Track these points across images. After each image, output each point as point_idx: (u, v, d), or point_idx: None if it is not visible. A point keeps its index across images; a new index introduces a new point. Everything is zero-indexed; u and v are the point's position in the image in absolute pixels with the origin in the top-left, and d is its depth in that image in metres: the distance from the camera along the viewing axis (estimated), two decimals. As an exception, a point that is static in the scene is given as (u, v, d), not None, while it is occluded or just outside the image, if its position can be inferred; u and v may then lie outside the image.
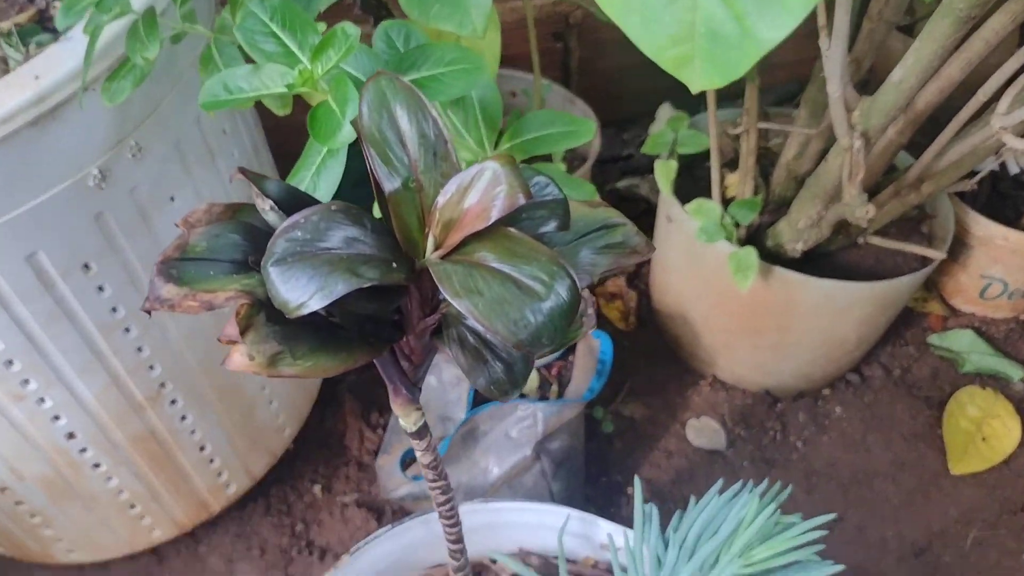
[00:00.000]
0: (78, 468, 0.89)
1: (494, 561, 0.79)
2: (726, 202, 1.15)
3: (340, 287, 0.37)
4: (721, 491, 0.67)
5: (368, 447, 1.18)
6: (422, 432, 0.52)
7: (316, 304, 0.36)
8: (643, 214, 1.51)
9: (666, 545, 0.66)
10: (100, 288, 0.77)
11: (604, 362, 1.07)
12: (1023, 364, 1.32)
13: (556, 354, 1.11)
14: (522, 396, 1.06)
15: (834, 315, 1.14)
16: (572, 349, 1.13)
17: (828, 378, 1.28)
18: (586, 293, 0.47)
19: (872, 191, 1.06)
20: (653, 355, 1.32)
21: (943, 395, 1.27)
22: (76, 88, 0.65)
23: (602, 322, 1.36)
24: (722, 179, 1.15)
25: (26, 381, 0.78)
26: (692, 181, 1.25)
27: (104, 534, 0.99)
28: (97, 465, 0.90)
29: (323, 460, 1.17)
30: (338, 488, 1.13)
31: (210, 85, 0.52)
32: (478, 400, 1.04)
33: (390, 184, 0.40)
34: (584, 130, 0.61)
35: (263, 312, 0.39)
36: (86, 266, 0.75)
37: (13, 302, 0.73)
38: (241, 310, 0.39)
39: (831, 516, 0.63)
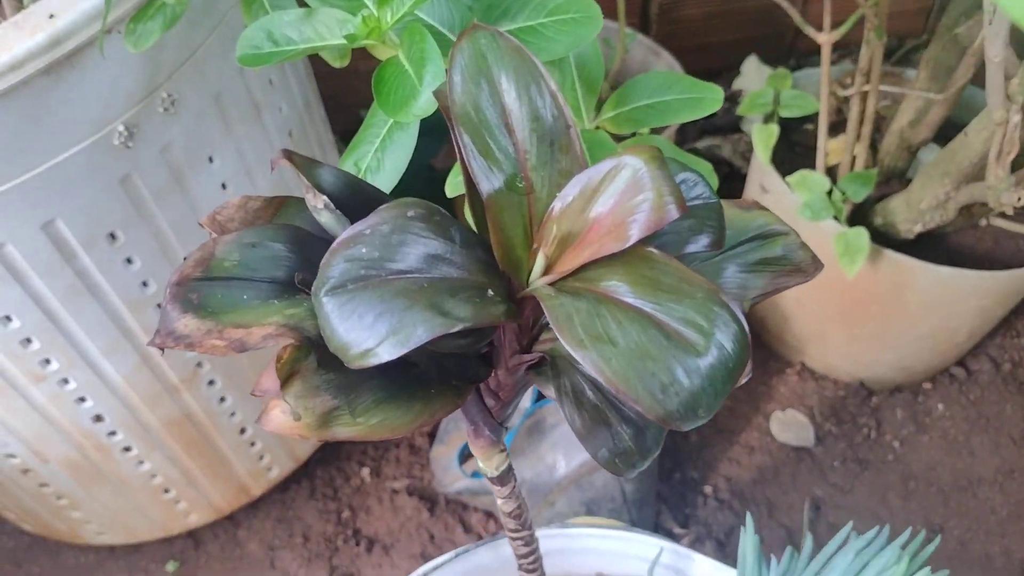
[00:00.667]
0: (107, 452, 0.81)
1: (568, 588, 0.69)
2: (829, 173, 1.02)
3: (420, 331, 0.26)
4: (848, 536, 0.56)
5: (421, 430, 1.08)
6: (505, 478, 0.42)
7: (388, 354, 0.26)
8: (725, 179, 1.38)
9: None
10: (128, 260, 0.68)
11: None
12: None
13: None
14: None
15: (948, 305, 1.01)
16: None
17: (930, 371, 1.15)
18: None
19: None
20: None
21: (1060, 395, 1.14)
22: (97, 30, 0.55)
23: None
24: (828, 159, 1.02)
25: (46, 361, 0.70)
26: (788, 147, 1.12)
27: (136, 518, 0.91)
28: (128, 449, 0.81)
29: (372, 442, 1.08)
30: (388, 472, 1.04)
31: (251, 34, 0.41)
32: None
33: (489, 183, 0.29)
34: (711, 98, 0.49)
35: (313, 355, 0.29)
36: (112, 236, 0.66)
37: (28, 275, 0.64)
38: (284, 354, 0.28)
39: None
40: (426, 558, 0.97)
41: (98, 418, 0.77)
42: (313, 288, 0.27)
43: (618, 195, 0.28)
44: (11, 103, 0.54)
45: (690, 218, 0.32)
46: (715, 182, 0.50)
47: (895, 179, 1.06)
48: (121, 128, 0.60)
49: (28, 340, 0.68)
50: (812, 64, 1.21)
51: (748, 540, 0.56)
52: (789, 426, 1.11)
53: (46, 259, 0.63)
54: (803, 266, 0.36)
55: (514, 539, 0.46)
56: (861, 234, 0.93)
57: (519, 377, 0.36)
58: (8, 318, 0.65)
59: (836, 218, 0.95)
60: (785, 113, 1.01)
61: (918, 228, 0.95)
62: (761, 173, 1.06)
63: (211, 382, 0.82)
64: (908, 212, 0.95)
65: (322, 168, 0.32)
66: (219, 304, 0.29)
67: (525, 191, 0.29)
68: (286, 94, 0.78)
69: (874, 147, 1.08)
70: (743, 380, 0.31)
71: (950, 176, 0.86)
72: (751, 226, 0.36)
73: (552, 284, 0.29)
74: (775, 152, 1.05)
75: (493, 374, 0.36)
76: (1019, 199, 0.74)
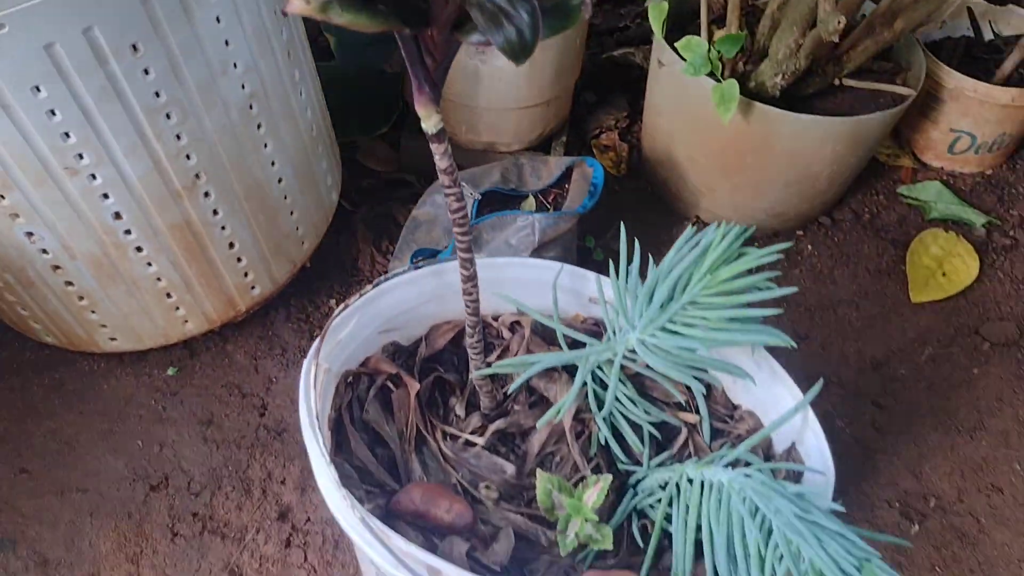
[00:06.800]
0: (123, 250, 0.99)
1: (496, 318, 0.90)
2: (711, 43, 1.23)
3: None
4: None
5: (379, 270, 1.28)
6: (441, 136, 0.62)
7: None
8: (636, 80, 1.60)
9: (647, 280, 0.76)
10: (146, 71, 0.86)
11: (596, 185, 1.17)
12: (986, 213, 1.42)
13: (553, 179, 1.21)
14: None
15: (808, 151, 1.23)
16: (568, 177, 1.22)
17: (802, 219, 1.38)
18: None
19: (846, 31, 1.15)
20: (642, 199, 1.43)
21: (908, 237, 1.38)
22: None
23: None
24: (711, 34, 1.24)
25: (80, 156, 0.88)
26: (682, 34, 1.34)
27: (143, 321, 1.09)
28: (139, 249, 1.00)
29: (338, 279, 1.27)
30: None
31: None
32: (481, 213, 1.14)
33: None
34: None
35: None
36: (134, 47, 0.84)
37: (71, 75, 0.82)
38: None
39: (788, 244, 0.74)
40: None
41: (117, 215, 0.95)
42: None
43: None
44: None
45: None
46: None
47: (767, 57, 1.28)
48: (146, -48, 0.79)
49: (67, 135, 0.86)
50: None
51: (622, 239, 0.77)
52: (686, 263, 1.33)
53: (85, 61, 0.81)
54: None
55: (448, 194, 0.66)
56: (733, 85, 1.15)
57: (447, 37, 0.56)
58: (52, 112, 0.83)
59: (714, 73, 1.17)
60: (674, -6, 1.22)
61: (780, 80, 1.17)
62: (658, 49, 1.28)
63: (206, 194, 1.00)
64: (771, 68, 1.17)
65: None
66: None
67: None
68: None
69: (753, 33, 1.30)
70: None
71: (797, 25, 1.08)
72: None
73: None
74: (674, 41, 1.27)
75: (430, 34, 0.56)
76: (839, 22, 0.96)
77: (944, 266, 1.34)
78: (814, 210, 1.37)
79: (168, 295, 1.07)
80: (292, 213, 1.14)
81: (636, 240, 0.80)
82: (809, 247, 1.37)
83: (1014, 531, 1.11)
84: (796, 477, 0.79)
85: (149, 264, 1.02)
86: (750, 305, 0.72)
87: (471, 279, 0.72)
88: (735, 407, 0.87)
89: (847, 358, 1.25)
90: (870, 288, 1.33)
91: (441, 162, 0.64)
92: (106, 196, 0.93)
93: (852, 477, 1.13)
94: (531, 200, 1.20)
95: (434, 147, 0.63)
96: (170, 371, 1.17)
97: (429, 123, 0.61)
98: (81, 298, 1.04)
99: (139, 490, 1.08)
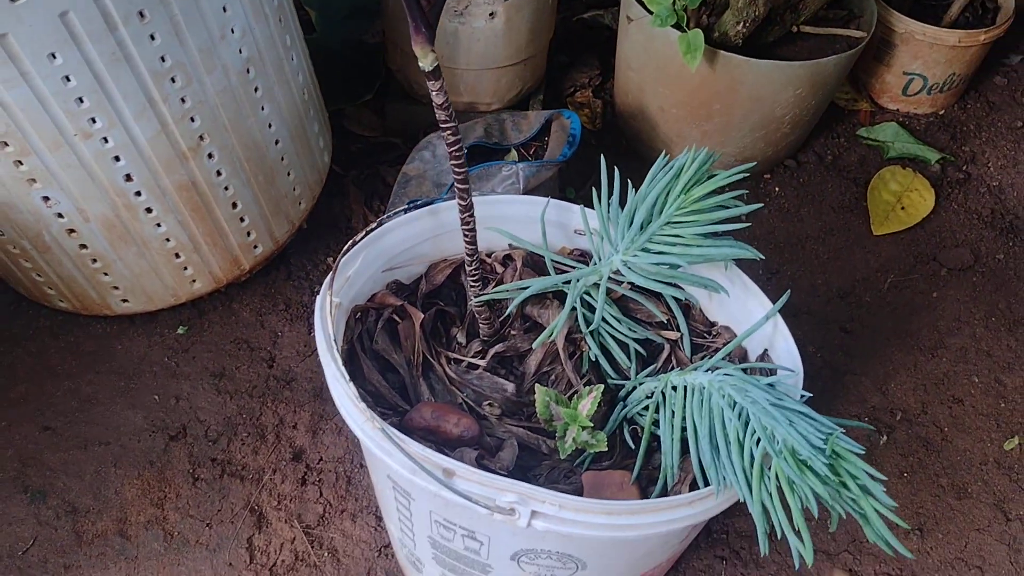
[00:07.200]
0: (134, 211, 1.05)
1: (489, 254, 0.97)
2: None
3: None
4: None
5: (371, 228, 1.35)
6: (436, 72, 0.69)
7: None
8: (606, 40, 1.67)
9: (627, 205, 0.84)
10: (152, 37, 0.92)
11: (574, 135, 1.25)
12: (940, 150, 1.51)
13: (533, 132, 1.28)
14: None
15: (771, 95, 1.31)
16: (547, 130, 1.30)
17: (769, 163, 1.46)
18: None
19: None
20: (617, 152, 1.50)
21: (868, 176, 1.47)
22: None
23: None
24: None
25: (93, 120, 0.94)
26: None
27: (153, 282, 1.16)
28: (149, 210, 1.06)
29: (333, 238, 1.34)
30: (347, 259, 1.31)
31: None
32: (468, 165, 1.21)
33: None
34: None
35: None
36: (141, 14, 0.90)
37: (84, 41, 0.88)
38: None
39: (751, 164, 0.82)
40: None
41: (128, 177, 1.01)
42: None
43: None
44: None
45: None
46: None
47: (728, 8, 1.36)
48: (150, -77, 0.85)
49: (80, 99, 0.92)
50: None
51: (602, 169, 0.84)
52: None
53: (97, 27, 0.87)
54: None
55: (445, 128, 0.73)
56: (698, 34, 1.22)
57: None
58: (67, 78, 0.89)
59: (680, 23, 1.25)
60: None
61: (741, 28, 1.24)
62: (626, 6, 1.35)
63: (210, 155, 1.07)
64: (733, 16, 1.24)
65: None
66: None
67: None
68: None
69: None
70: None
71: (754, -27, 1.16)
72: None
73: None
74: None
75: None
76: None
77: (903, 200, 1.42)
78: (779, 154, 1.45)
79: (177, 255, 1.14)
80: (289, 174, 1.20)
81: (616, 175, 0.87)
82: (777, 189, 1.45)
83: (974, 437, 1.20)
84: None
85: (159, 225, 1.08)
86: (721, 222, 0.80)
87: (468, 209, 0.79)
88: (712, 324, 0.95)
89: (816, 289, 1.34)
90: (835, 224, 1.41)
91: (438, 98, 0.71)
92: (117, 159, 0.99)
93: (824, 397, 1.22)
94: (513, 153, 1.27)
95: (430, 84, 0.70)
96: (180, 330, 1.23)
97: (426, 61, 0.68)
98: (95, 260, 1.10)
99: (159, 440, 1.15)
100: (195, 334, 1.24)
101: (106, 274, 1.13)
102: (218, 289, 1.22)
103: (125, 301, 1.18)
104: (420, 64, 0.68)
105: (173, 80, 0.97)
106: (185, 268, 1.16)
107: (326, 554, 1.06)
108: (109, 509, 1.09)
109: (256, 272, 1.25)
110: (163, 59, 0.95)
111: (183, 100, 0.99)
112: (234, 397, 1.19)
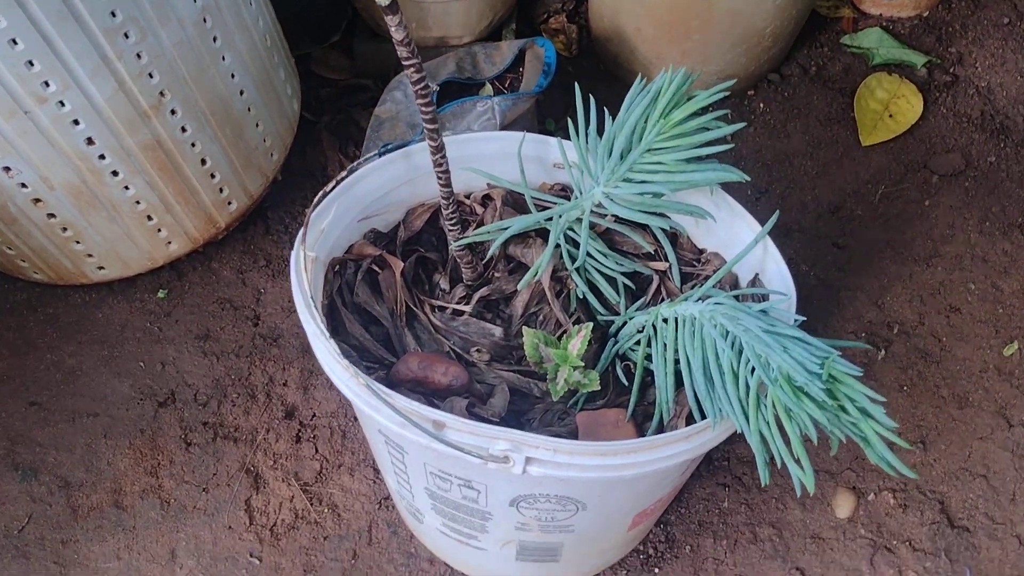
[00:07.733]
0: (99, 175, 1.01)
1: (467, 196, 0.94)
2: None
3: None
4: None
5: (348, 175, 1.31)
6: (394, 6, 0.65)
7: None
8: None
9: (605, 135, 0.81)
10: (99, -8, 0.88)
11: (549, 64, 1.20)
12: (926, 53, 1.47)
13: (507, 64, 1.23)
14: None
15: (750, 6, 1.26)
16: (522, 60, 1.25)
17: (751, 78, 1.42)
18: None
19: None
20: (596, 78, 1.46)
21: (854, 85, 1.43)
22: None
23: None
24: None
25: (46, 83, 0.90)
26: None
27: (128, 247, 1.13)
28: (115, 173, 1.02)
29: (310, 188, 1.31)
30: (326, 209, 1.28)
31: None
32: (441, 103, 1.17)
33: None
34: None
35: None
36: (83, -34, 0.85)
37: (27, 1, 0.83)
38: None
39: (731, 81, 0.78)
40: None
41: (89, 140, 0.97)
42: None
43: None
44: None
45: None
46: None
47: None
48: None
49: (31, 63, 0.88)
50: None
51: (578, 97, 0.81)
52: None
53: (37, -16, 0.83)
54: None
55: (408, 66, 0.69)
56: (671, -51, 1.17)
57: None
58: (14, 41, 0.85)
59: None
60: None
61: (714, -60, 1.19)
62: (594, -76, 1.29)
63: (173, 111, 1.03)
64: (705, -72, 1.19)
65: None
66: None
67: None
68: None
69: None
70: None
71: None
72: None
73: None
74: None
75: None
76: None
77: (890, 108, 1.39)
78: (762, 68, 1.41)
79: (149, 217, 1.10)
80: (258, 125, 1.16)
81: (592, 103, 0.84)
82: (761, 105, 1.41)
83: (973, 345, 1.19)
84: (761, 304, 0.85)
85: (127, 188, 1.05)
86: (704, 145, 0.77)
87: (440, 150, 0.76)
88: (701, 251, 0.92)
89: (806, 206, 1.31)
90: (822, 137, 1.38)
91: (397, 33, 0.67)
92: (76, 122, 0.95)
93: (819, 315, 1.20)
94: (488, 87, 1.23)
95: (389, 19, 0.66)
96: (160, 294, 1.21)
97: (382, -7, 0.64)
98: (65, 229, 1.07)
99: (148, 407, 1.13)
100: (176, 297, 1.21)
101: (78, 242, 1.10)
102: (196, 250, 1.19)
103: (101, 268, 1.15)
104: (376, -2, 0.64)
105: (126, 35, 0.93)
106: (159, 230, 1.13)
107: (326, 510, 1.06)
108: (103, 481, 1.08)
109: (233, 229, 1.22)
110: (113, 14, 0.91)
111: (139, 56, 0.95)
112: (221, 358, 1.17)
